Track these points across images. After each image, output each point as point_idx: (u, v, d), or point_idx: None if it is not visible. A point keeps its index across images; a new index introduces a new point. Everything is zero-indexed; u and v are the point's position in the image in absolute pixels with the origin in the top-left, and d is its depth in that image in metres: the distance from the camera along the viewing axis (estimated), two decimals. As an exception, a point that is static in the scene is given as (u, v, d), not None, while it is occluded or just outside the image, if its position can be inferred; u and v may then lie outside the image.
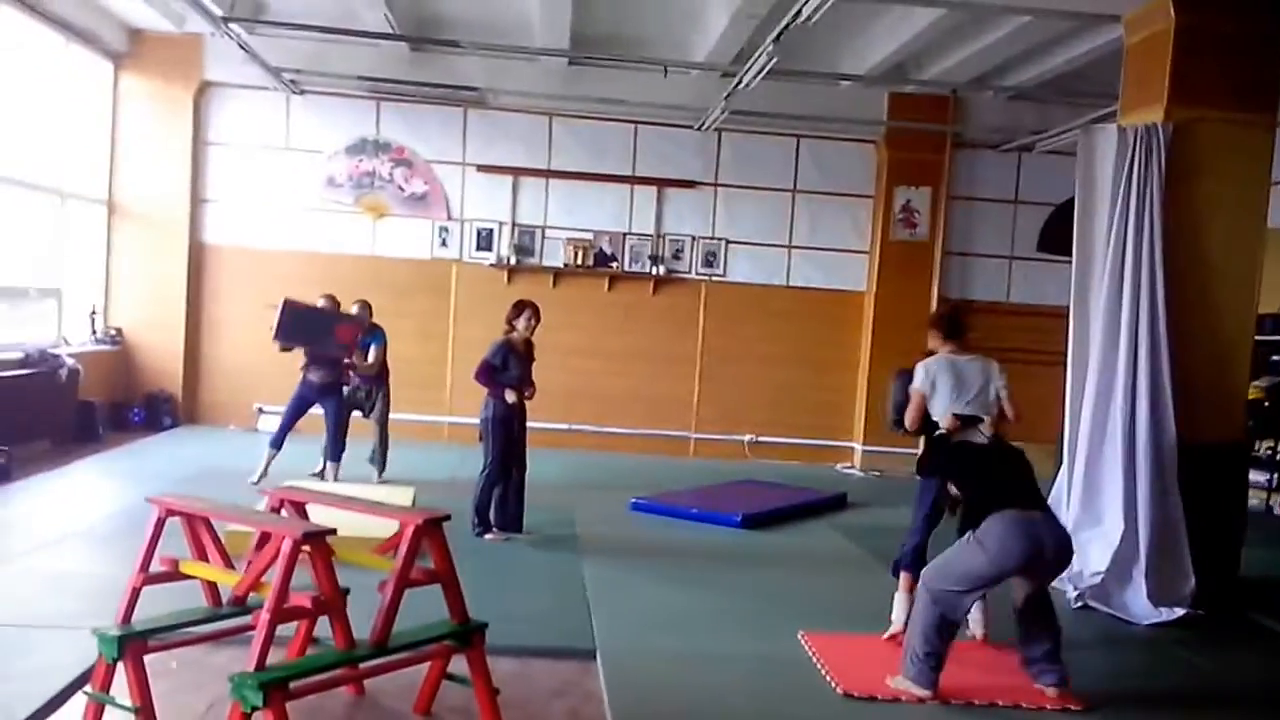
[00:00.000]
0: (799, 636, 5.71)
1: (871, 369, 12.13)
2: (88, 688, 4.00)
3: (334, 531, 3.97)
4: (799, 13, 7.81)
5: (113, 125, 11.69)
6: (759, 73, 9.40)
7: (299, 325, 8.62)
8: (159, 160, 11.74)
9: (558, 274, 12.25)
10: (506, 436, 7.62)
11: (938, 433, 5.56)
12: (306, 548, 3.87)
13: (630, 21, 11.06)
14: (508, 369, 7.56)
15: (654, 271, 12.33)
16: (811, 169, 12.50)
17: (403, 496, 7.84)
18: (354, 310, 9.13)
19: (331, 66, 11.50)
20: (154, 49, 11.66)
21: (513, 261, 12.17)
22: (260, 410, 11.74)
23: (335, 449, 8.86)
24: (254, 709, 3.50)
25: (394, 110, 12.13)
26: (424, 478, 9.28)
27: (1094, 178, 6.90)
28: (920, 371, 5.71)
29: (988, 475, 5.08)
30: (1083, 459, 6.84)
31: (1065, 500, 6.97)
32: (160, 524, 4.14)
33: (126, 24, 11.46)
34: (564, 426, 12.20)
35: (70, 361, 10.07)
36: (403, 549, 4.10)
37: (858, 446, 12.42)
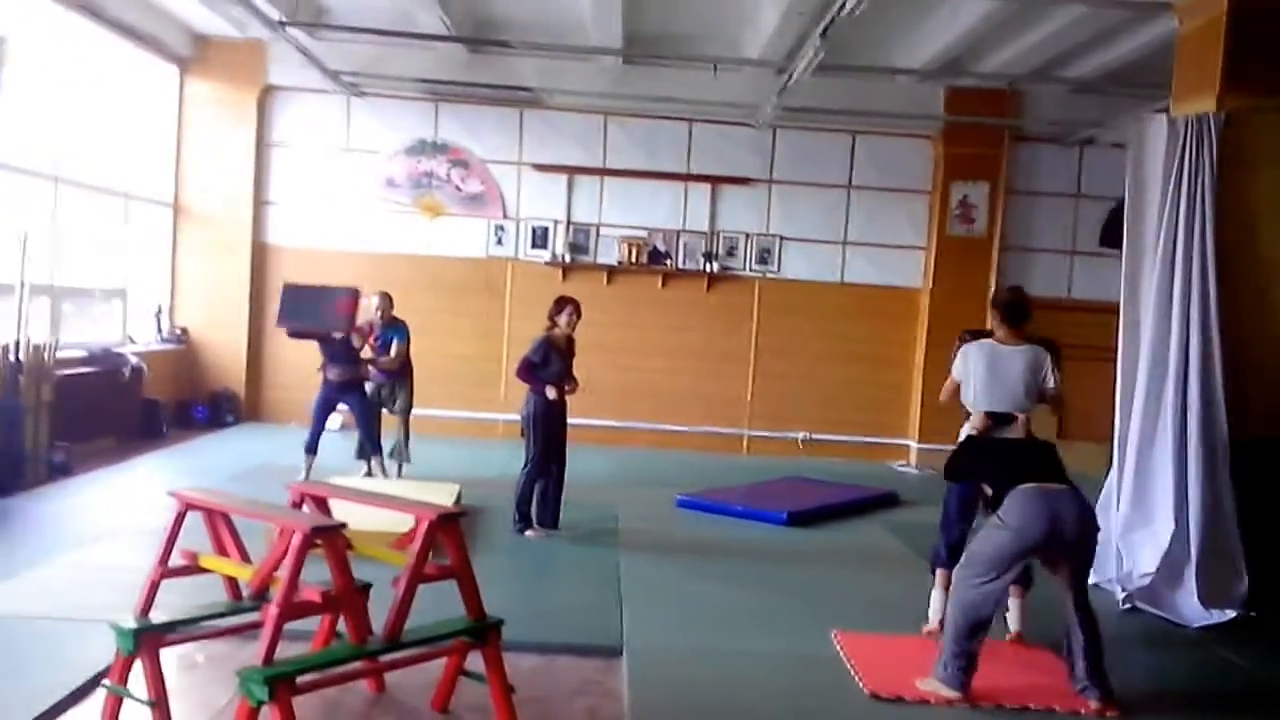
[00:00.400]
0: (831, 636, 5.61)
1: (927, 366, 11.92)
2: (106, 680, 4.05)
3: (344, 526, 3.97)
4: (843, 5, 7.67)
5: (178, 129, 11.92)
6: (807, 67, 9.29)
7: (299, 305, 8.62)
8: (223, 163, 11.94)
9: (612, 272, 12.23)
10: (548, 433, 7.60)
11: (965, 433, 5.43)
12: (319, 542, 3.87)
13: (682, 19, 10.98)
14: (549, 365, 7.54)
15: (708, 269, 12.24)
16: (867, 165, 12.32)
17: (447, 493, 7.85)
18: (374, 303, 9.01)
19: (391, 69, 11.58)
20: (218, 54, 11.86)
21: (567, 259, 12.17)
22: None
23: (372, 444, 8.89)
24: (260, 703, 3.51)
25: (451, 111, 12.20)
26: (474, 474, 9.31)
27: (1144, 170, 6.69)
28: (959, 358, 5.60)
29: (1012, 466, 4.94)
30: (1133, 457, 6.63)
31: (1115, 499, 6.77)
32: (180, 518, 4.18)
33: (191, 30, 11.66)
34: (618, 424, 12.18)
35: (134, 360, 10.28)
36: (416, 544, 4.08)
37: (913, 444, 12.21)
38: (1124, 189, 7.02)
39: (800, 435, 12.37)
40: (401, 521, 4.99)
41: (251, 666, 3.58)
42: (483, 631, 4.26)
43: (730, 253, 12.32)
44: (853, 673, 5.09)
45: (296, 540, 3.73)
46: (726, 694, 4.80)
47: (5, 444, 7.93)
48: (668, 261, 12.26)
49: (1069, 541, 4.75)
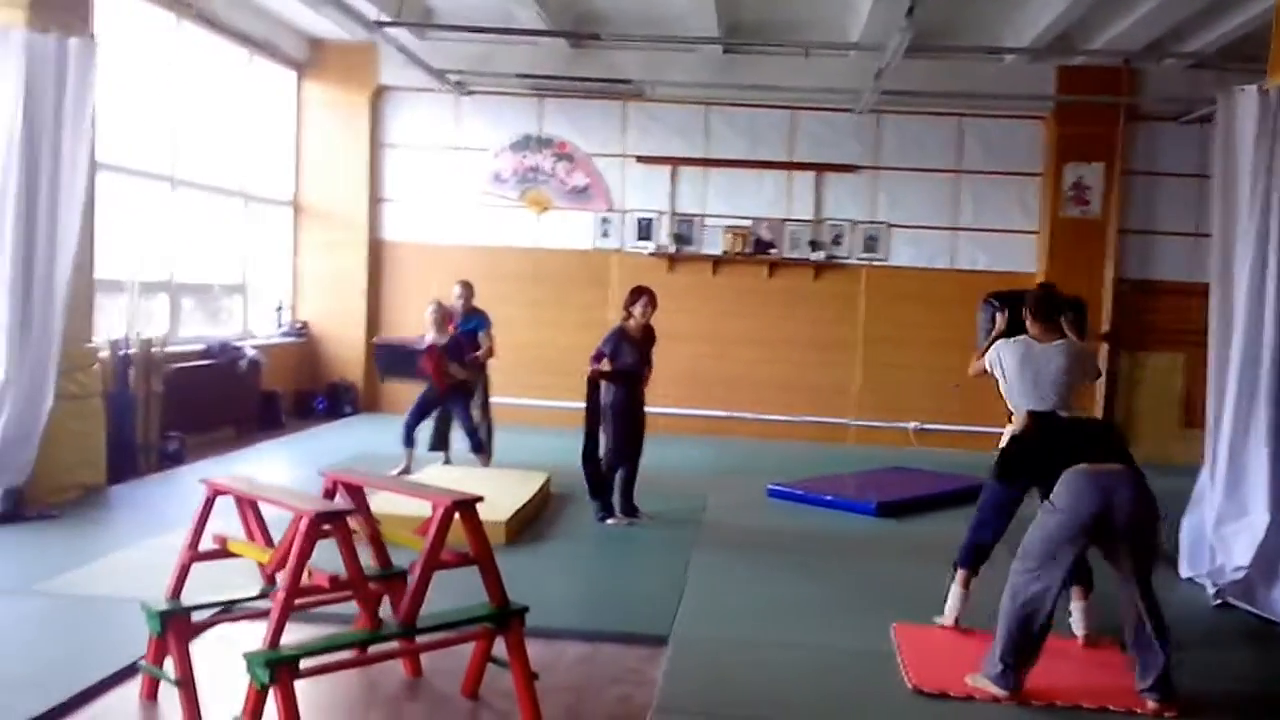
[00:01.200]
0: (890, 629, 5.40)
1: (1041, 354, 11.42)
2: (141, 659, 4.16)
3: (352, 511, 3.99)
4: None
5: (297, 131, 12.29)
6: (898, 50, 8.98)
7: (393, 360, 9.08)
8: (339, 162, 12.25)
9: (717, 262, 12.08)
10: (625, 422, 7.56)
11: (1009, 434, 5.16)
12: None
13: (782, 6, 10.76)
14: (620, 355, 7.49)
15: (814, 258, 11.99)
16: (976, 148, 11.88)
17: (531, 483, 7.89)
18: (455, 292, 9.01)
19: (496, 67, 11.70)
20: (333, 57, 12.18)
21: (672, 250, 12.09)
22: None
23: (476, 440, 8.96)
24: (264, 685, 3.55)
25: (556, 106, 12.25)
26: (567, 463, 9.29)
27: (1234, 144, 6.22)
28: (991, 352, 5.38)
29: (1066, 449, 4.65)
30: (1225, 446, 6.20)
31: (1209, 491, 6.35)
32: (209, 503, 4.27)
33: (308, 35, 12.00)
34: (723, 414, 12.05)
35: (251, 353, 10.61)
36: (432, 531, 4.07)
37: (1028, 435, 11.71)
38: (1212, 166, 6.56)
39: (911, 425, 12.02)
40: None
41: (257, 650, 3.62)
42: (505, 618, 4.23)
43: (836, 241, 12.04)
44: (902, 667, 4.89)
45: (303, 525, 3.76)
46: (761, 686, 4.64)
47: (116, 434, 8.27)
48: (773, 251, 12.05)
49: (1123, 525, 4.43)
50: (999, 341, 5.47)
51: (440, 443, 9.09)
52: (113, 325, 8.70)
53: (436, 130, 12.38)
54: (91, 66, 7.01)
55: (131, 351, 8.49)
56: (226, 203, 11.14)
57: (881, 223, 12.01)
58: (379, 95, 12.33)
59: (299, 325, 12.21)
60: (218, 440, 9.94)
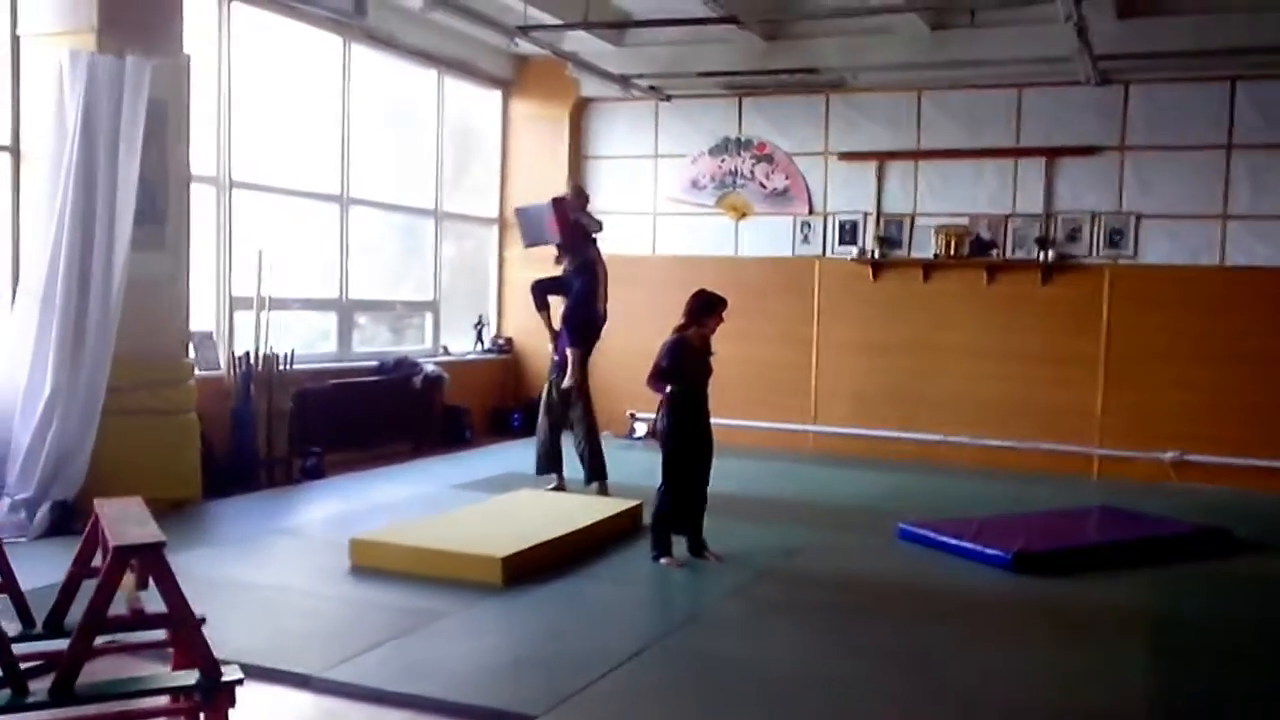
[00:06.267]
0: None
1: (1338, 367, 8.75)
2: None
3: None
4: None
5: (503, 148, 11.90)
6: None
7: (531, 225, 8.42)
8: (543, 178, 11.67)
9: (928, 266, 10.30)
10: (684, 447, 6.29)
11: None
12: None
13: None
14: (683, 372, 6.23)
15: (1043, 257, 9.91)
16: (1253, 116, 9.31)
17: (597, 513, 6.84)
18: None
19: (691, 68, 10.69)
20: (536, 72, 11.67)
21: (878, 255, 10.47)
22: (633, 416, 11.20)
23: (585, 466, 8.14)
24: None
25: (754, 106, 11.02)
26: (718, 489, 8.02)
27: None
28: None
29: None
30: None
31: None
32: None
33: (513, 53, 11.58)
34: (937, 438, 10.25)
35: (430, 369, 10.24)
36: (101, 579, 3.20)
37: (1325, 469, 9.02)
38: None
39: (1168, 455, 9.60)
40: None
41: None
42: (210, 690, 3.27)
43: (1072, 237, 9.90)
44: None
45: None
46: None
47: (236, 449, 8.08)
48: (994, 252, 10.11)
49: None
50: None
51: (550, 464, 8.20)
52: (249, 342, 8.55)
53: (637, 140, 11.53)
54: (144, 85, 6.79)
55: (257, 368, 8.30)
56: (418, 221, 10.93)
57: (1129, 213, 9.72)
58: (580, 108, 11.68)
59: (502, 342, 11.78)
60: (384, 455, 9.59)
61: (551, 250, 8.52)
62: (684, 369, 6.24)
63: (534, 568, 5.85)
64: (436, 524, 6.49)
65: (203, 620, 3.38)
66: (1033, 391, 10.00)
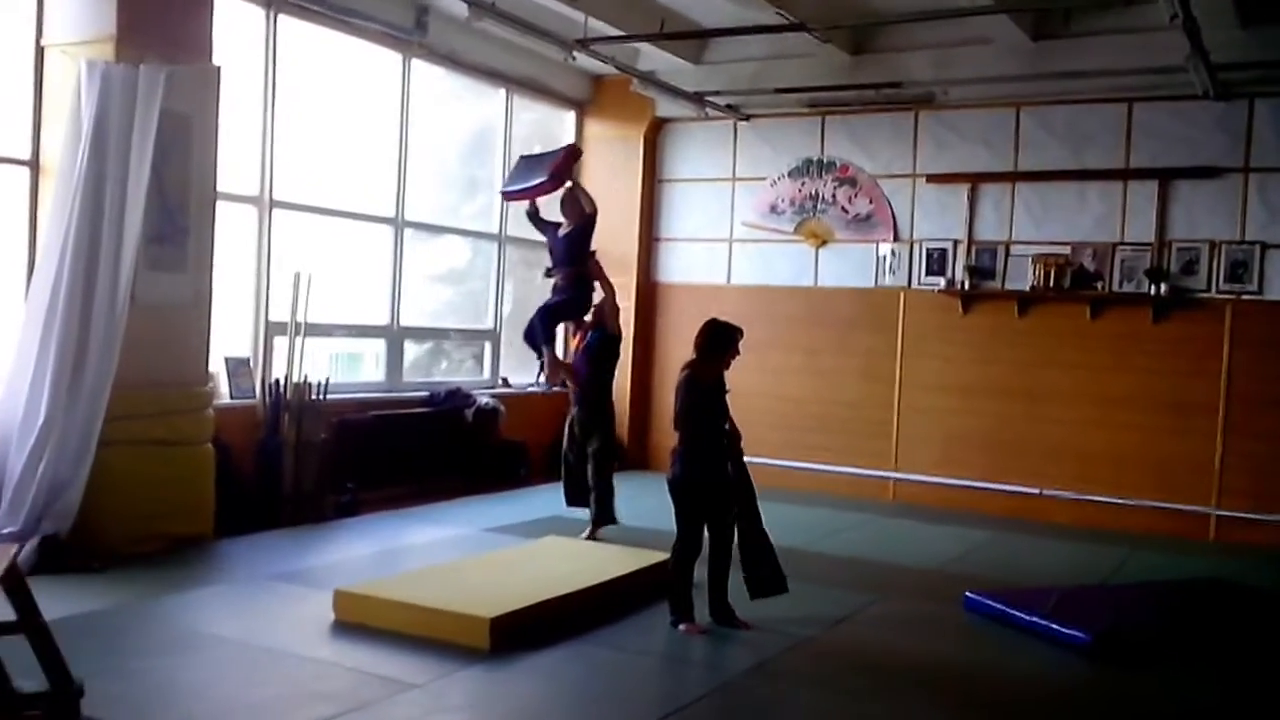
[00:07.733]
0: None
1: None
2: None
3: None
4: None
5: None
6: None
7: (528, 168, 7.90)
8: (616, 203, 11.05)
9: (1025, 299, 9.30)
10: (703, 501, 5.54)
11: None
12: None
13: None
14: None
15: (1154, 292, 8.83)
16: (1404, 131, 8.15)
17: (621, 566, 6.11)
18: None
19: (770, 85, 9.97)
20: (611, 93, 11.07)
21: (968, 286, 9.51)
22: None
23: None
24: None
25: (838, 125, 10.21)
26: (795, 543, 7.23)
27: None
28: None
29: None
30: None
31: None
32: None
33: (588, 73, 11.04)
34: (1032, 491, 9.21)
35: (486, 402, 9.67)
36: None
37: None
38: None
39: (1299, 518, 8.41)
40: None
41: None
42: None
43: (1187, 269, 8.79)
44: None
45: None
46: None
47: (260, 482, 7.62)
48: (1099, 285, 9.06)
49: None
50: None
51: (577, 497, 7.60)
52: (283, 371, 8.10)
53: (713, 162, 10.82)
54: (156, 94, 6.39)
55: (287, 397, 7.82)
56: (479, 246, 10.43)
57: (1253, 242, 8.58)
58: (656, 129, 11.03)
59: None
60: (428, 493, 9.02)
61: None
62: (699, 409, 5.52)
63: (530, 630, 5.15)
64: (431, 575, 5.85)
65: (80, 691, 2.81)
66: (1141, 441, 8.88)
